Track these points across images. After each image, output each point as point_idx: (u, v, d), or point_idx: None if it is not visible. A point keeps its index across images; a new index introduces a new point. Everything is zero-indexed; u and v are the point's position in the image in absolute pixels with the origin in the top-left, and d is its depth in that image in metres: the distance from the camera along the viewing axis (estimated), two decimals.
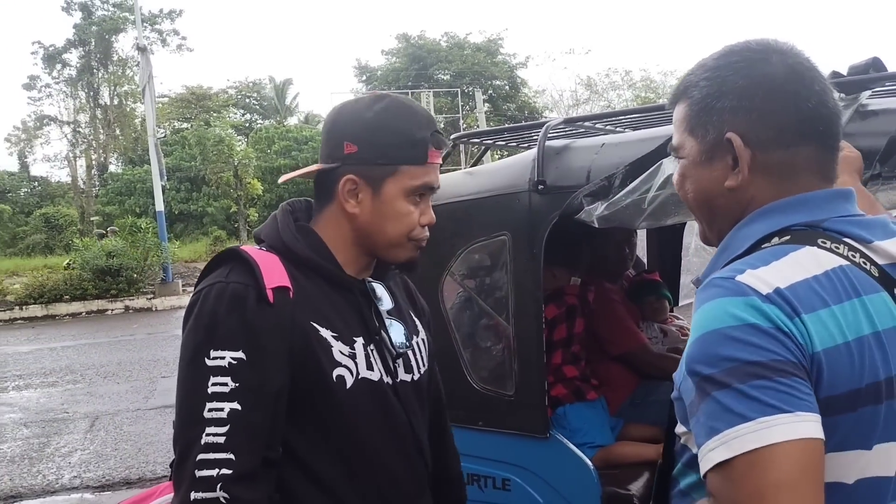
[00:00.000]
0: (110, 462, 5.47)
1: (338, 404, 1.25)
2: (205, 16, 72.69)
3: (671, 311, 3.27)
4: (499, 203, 2.17)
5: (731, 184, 0.98)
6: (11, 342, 11.65)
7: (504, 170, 2.30)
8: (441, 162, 1.34)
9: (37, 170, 52.73)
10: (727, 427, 0.82)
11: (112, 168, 33.50)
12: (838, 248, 0.92)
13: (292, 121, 37.16)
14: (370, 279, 1.38)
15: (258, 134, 31.51)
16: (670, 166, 1.72)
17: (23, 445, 6.01)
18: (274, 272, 1.23)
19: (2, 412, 7.16)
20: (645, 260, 3.61)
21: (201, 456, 1.13)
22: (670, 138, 1.09)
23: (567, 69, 64.38)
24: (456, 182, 2.37)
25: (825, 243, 0.92)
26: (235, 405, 1.15)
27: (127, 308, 14.96)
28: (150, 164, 16.91)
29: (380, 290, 1.38)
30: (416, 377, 1.39)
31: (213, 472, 1.13)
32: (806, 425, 0.81)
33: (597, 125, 2.46)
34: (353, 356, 1.27)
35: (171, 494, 1.22)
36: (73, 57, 32.42)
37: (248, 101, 39.12)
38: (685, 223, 3.07)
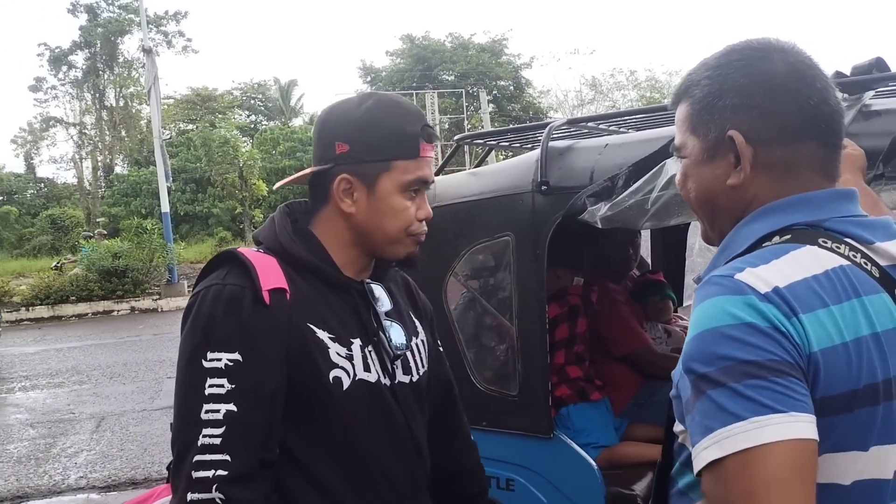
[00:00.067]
0: (116, 462, 5.49)
1: (334, 406, 1.25)
2: (210, 17, 73.03)
3: (675, 311, 3.27)
4: (502, 204, 2.17)
5: (733, 182, 0.98)
6: (18, 343, 11.68)
7: (507, 170, 2.30)
8: (433, 156, 1.34)
9: (43, 171, 53.11)
10: (720, 426, 0.81)
11: (118, 169, 33.60)
12: (839, 248, 0.92)
13: (297, 122, 37.20)
14: (369, 280, 1.38)
15: (263, 135, 31.59)
16: (674, 167, 1.71)
17: (29, 446, 6.04)
18: (271, 274, 1.24)
19: (8, 413, 7.19)
20: (649, 260, 3.61)
21: (198, 457, 1.14)
22: (673, 139, 1.09)
23: (572, 69, 64.45)
24: (459, 183, 2.38)
25: (826, 243, 0.92)
26: (232, 407, 1.16)
27: (133, 309, 15.01)
28: (155, 166, 16.94)
29: (378, 291, 1.38)
30: (414, 378, 1.39)
31: (210, 474, 1.13)
32: (799, 426, 0.80)
33: (600, 126, 2.46)
34: (349, 358, 1.27)
35: (170, 496, 1.22)
36: (79, 59, 32.60)
37: (253, 102, 39.17)
38: (689, 224, 3.06)
